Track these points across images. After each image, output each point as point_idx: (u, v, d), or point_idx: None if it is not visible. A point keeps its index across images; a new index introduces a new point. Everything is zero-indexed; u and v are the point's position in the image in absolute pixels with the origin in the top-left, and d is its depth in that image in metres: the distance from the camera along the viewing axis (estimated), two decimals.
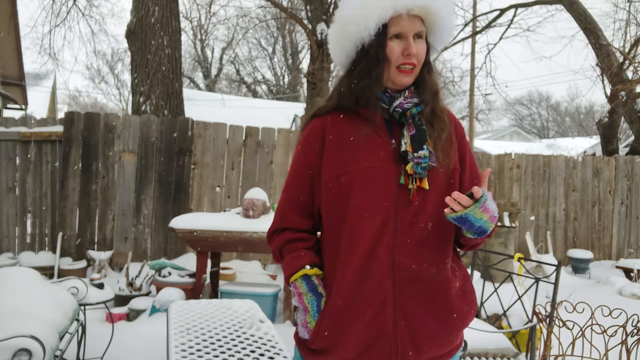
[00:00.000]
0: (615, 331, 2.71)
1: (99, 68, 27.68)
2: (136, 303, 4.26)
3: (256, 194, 4.52)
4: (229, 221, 4.33)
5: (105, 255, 5.73)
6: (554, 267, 3.01)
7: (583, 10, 8.87)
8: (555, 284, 2.99)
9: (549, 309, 2.92)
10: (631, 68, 8.65)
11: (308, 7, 8.24)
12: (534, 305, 3.03)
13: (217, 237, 4.23)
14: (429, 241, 1.23)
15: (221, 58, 26.62)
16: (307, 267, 1.27)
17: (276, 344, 2.41)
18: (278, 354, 2.28)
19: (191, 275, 4.72)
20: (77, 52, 35.63)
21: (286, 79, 27.48)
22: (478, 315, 3.57)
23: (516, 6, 10.40)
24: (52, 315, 2.29)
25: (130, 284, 4.78)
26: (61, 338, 2.31)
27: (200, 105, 15.33)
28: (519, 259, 3.69)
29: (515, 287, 3.37)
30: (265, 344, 2.40)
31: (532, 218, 7.37)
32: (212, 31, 23.15)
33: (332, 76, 8.58)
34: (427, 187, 1.23)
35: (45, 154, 5.86)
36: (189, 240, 4.32)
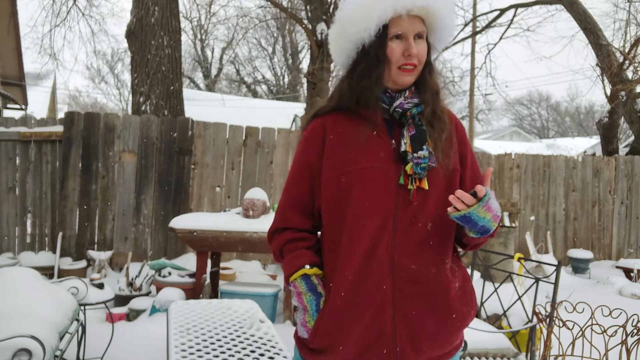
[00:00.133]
0: (615, 331, 2.71)
1: (99, 68, 27.69)
2: (136, 303, 4.26)
3: (256, 194, 4.52)
4: (229, 221, 4.33)
5: (105, 255, 5.73)
6: (554, 267, 3.01)
7: (583, 10, 8.87)
8: (555, 284, 2.99)
9: (549, 309, 2.92)
10: (631, 68, 8.66)
11: (308, 7, 8.24)
12: (534, 305, 3.03)
13: (217, 237, 4.23)
14: (428, 241, 1.23)
15: (221, 58, 26.64)
16: (307, 266, 1.27)
17: (276, 344, 2.41)
18: (278, 354, 2.28)
19: (191, 275, 4.72)
20: (77, 52, 35.69)
21: (286, 79, 27.49)
22: (478, 315, 3.57)
23: (516, 6, 10.40)
24: (52, 315, 2.29)
25: (130, 284, 4.78)
26: (61, 338, 2.31)
27: (200, 105, 15.33)
28: (519, 259, 3.69)
29: (515, 287, 3.37)
30: (265, 344, 2.40)
31: (532, 218, 7.38)
32: (212, 31, 23.17)
33: (332, 76, 8.58)
34: (426, 187, 1.23)
35: (45, 154, 5.86)
36: (189, 240, 4.32)
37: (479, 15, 12.47)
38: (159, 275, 4.79)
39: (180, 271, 4.86)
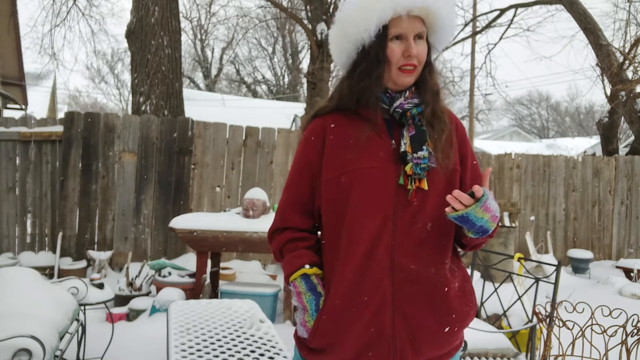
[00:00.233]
0: (615, 331, 2.71)
1: (99, 68, 27.70)
2: (136, 303, 4.26)
3: (256, 194, 4.52)
4: (229, 221, 4.33)
5: (105, 255, 5.73)
6: (554, 267, 3.01)
7: (583, 10, 8.87)
8: (555, 284, 2.99)
9: (549, 309, 2.92)
10: (631, 68, 8.66)
11: (308, 7, 8.24)
12: (534, 305, 3.03)
13: (217, 237, 4.23)
14: (428, 241, 1.23)
15: (221, 58, 26.64)
16: (307, 266, 1.27)
17: (276, 344, 2.41)
18: (278, 354, 2.28)
19: (191, 275, 4.72)
20: (77, 52, 35.70)
21: (286, 79, 27.49)
22: (478, 315, 3.57)
23: (516, 6, 10.40)
24: (52, 315, 2.29)
25: (130, 284, 4.78)
26: (61, 338, 2.31)
27: (200, 105, 15.33)
28: (519, 259, 3.69)
29: (515, 287, 3.37)
30: (265, 344, 2.40)
31: (532, 218, 7.38)
32: (212, 31, 23.16)
33: (332, 76, 8.58)
34: (426, 187, 1.23)
35: (45, 154, 5.86)
36: (189, 240, 4.32)
37: (479, 15, 12.48)
38: (159, 275, 4.79)
39: (180, 271, 4.86)
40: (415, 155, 1.23)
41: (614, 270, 7.07)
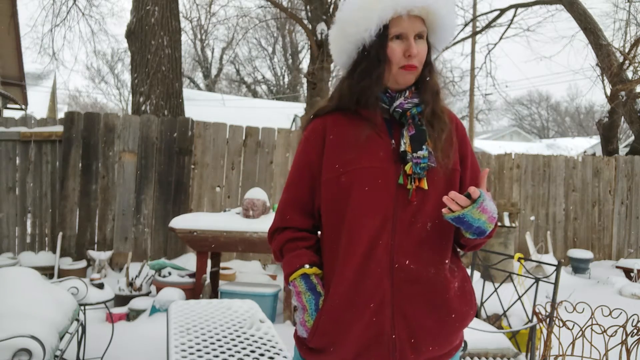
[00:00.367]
0: (615, 331, 2.71)
1: (99, 68, 27.71)
2: (136, 303, 4.26)
3: (256, 194, 4.52)
4: (229, 221, 4.33)
5: (105, 255, 5.73)
6: (554, 267, 3.01)
7: (583, 10, 8.87)
8: (555, 284, 2.99)
9: (549, 309, 2.92)
10: (631, 68, 8.66)
11: (308, 7, 8.24)
12: (534, 305, 3.03)
13: (217, 237, 4.23)
14: (427, 241, 1.23)
15: (221, 58, 26.64)
16: (307, 266, 1.27)
17: (276, 344, 2.41)
18: (278, 354, 2.28)
19: (191, 275, 4.72)
20: (77, 52, 35.70)
21: (286, 79, 27.50)
22: (478, 315, 3.57)
23: (516, 6, 10.40)
24: (52, 315, 2.29)
25: (130, 284, 4.78)
26: (61, 338, 2.31)
27: (200, 105, 15.33)
28: (519, 259, 3.69)
29: (515, 287, 3.37)
30: (265, 344, 2.40)
31: (532, 218, 7.38)
32: (212, 31, 23.17)
33: (332, 76, 8.58)
34: (426, 187, 1.23)
35: (45, 154, 5.86)
36: (189, 240, 4.32)
37: (479, 15, 12.48)
38: (159, 275, 4.79)
39: (180, 271, 4.86)
40: (415, 154, 1.23)
41: (614, 270, 7.07)
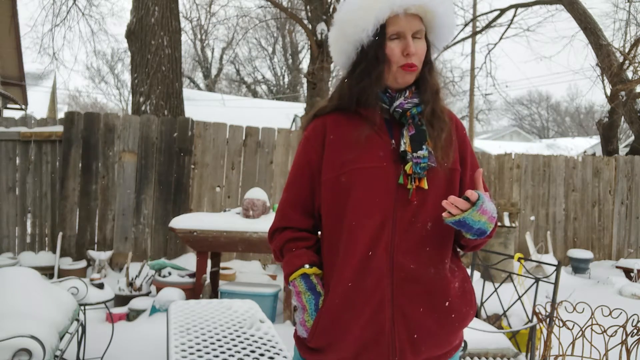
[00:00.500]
0: (615, 331, 2.71)
1: (99, 68, 27.73)
2: (136, 303, 4.26)
3: (256, 194, 4.52)
4: (229, 221, 4.33)
5: (105, 255, 5.73)
6: (554, 267, 3.01)
7: (583, 10, 8.87)
8: (555, 284, 2.99)
9: (549, 309, 2.92)
10: (631, 68, 8.65)
11: (308, 7, 8.24)
12: (534, 305, 3.03)
13: (217, 237, 4.23)
14: (427, 241, 1.23)
15: (221, 58, 26.66)
16: (307, 266, 1.27)
17: (276, 344, 2.41)
18: (278, 354, 2.28)
19: (191, 275, 4.72)
20: (77, 52, 35.71)
21: (286, 79, 27.51)
22: (478, 315, 3.57)
23: (516, 6, 10.40)
24: (52, 315, 2.29)
25: (130, 284, 4.78)
26: (61, 338, 2.31)
27: (200, 105, 15.34)
28: (519, 259, 3.69)
29: (515, 287, 3.37)
30: (265, 344, 2.40)
31: (532, 218, 7.38)
32: (212, 31, 23.17)
33: (332, 76, 8.59)
34: (426, 187, 1.23)
35: (45, 154, 5.86)
36: (189, 240, 4.32)
37: (479, 15, 12.48)
38: (159, 275, 4.79)
39: (180, 271, 4.86)
40: (415, 154, 1.23)
41: (614, 270, 7.07)
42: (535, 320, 3.02)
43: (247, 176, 6.30)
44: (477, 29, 12.20)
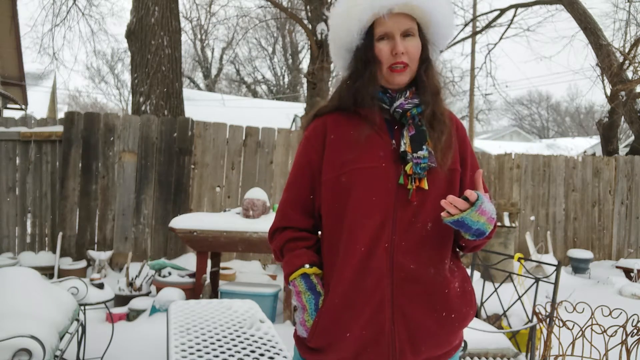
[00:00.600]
0: (615, 331, 2.71)
1: (99, 68, 27.73)
2: (136, 303, 4.26)
3: (256, 194, 4.52)
4: (229, 221, 4.33)
5: (105, 255, 5.73)
6: (554, 267, 3.01)
7: (583, 10, 8.87)
8: (555, 284, 2.99)
9: (549, 309, 2.92)
10: (631, 68, 8.65)
11: (308, 7, 8.24)
12: (534, 305, 3.03)
13: (217, 237, 4.23)
14: (427, 241, 1.23)
15: (221, 58, 26.66)
16: (307, 265, 1.27)
17: (276, 344, 2.41)
18: (278, 354, 2.28)
19: (191, 275, 4.72)
20: (77, 52, 35.71)
21: (286, 79, 27.51)
22: (478, 315, 3.57)
23: (516, 6, 10.40)
24: (52, 315, 2.29)
25: (130, 284, 4.78)
26: (61, 338, 2.31)
27: (200, 105, 15.34)
28: (519, 259, 3.69)
29: (515, 287, 3.37)
30: (265, 344, 2.40)
31: (532, 218, 7.38)
32: (212, 31, 23.17)
33: (332, 76, 8.59)
34: (426, 187, 1.23)
35: (45, 154, 5.86)
36: (189, 240, 4.32)
37: (479, 15, 12.48)
38: (159, 275, 4.79)
39: (180, 271, 4.86)
40: (415, 154, 1.23)
41: (614, 270, 7.07)
42: (535, 320, 3.02)
43: (247, 176, 6.30)
44: (477, 29, 12.20)
